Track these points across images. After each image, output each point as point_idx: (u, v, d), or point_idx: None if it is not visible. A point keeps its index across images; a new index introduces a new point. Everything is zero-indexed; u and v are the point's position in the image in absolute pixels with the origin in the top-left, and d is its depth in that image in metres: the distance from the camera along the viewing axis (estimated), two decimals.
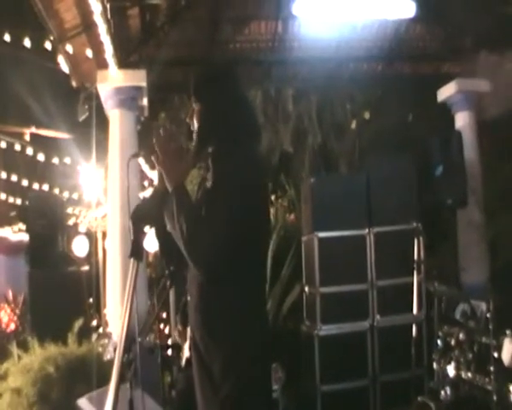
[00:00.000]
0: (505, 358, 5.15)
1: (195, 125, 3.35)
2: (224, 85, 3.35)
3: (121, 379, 3.05)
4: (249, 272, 3.23)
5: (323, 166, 12.17)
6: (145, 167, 7.73)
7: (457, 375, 5.93)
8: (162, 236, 3.41)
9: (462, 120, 9.57)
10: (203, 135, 3.33)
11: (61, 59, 7.92)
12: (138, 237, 3.04)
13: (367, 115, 12.22)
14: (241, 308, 3.17)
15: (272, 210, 11.03)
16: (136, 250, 3.01)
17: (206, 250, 3.04)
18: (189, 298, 3.34)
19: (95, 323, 9.37)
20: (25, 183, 12.39)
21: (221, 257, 3.06)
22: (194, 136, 3.35)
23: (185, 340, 4.63)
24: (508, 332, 5.36)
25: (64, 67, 8.08)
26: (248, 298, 3.21)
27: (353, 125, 12.38)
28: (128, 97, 8.04)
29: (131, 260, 3.02)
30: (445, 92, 9.73)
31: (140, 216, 3.14)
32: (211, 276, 3.14)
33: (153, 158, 3.29)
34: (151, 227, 3.20)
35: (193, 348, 3.35)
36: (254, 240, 3.24)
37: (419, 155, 8.64)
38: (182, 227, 3.02)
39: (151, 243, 3.44)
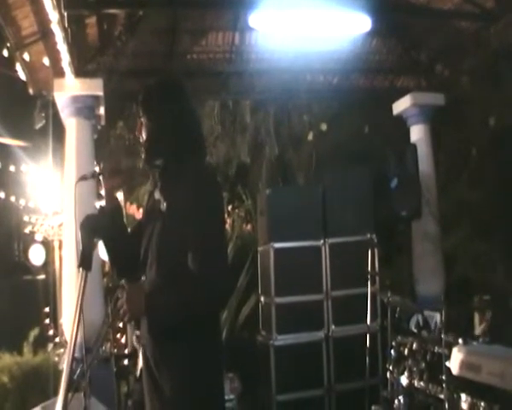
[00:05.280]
0: (453, 366, 5.24)
1: (143, 137, 3.37)
2: (169, 98, 3.36)
3: (73, 388, 3.04)
4: None
5: (280, 177, 12.24)
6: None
7: (410, 384, 6.03)
8: (112, 249, 3.43)
9: (417, 133, 9.65)
10: (150, 148, 3.35)
11: (18, 66, 7.86)
12: (87, 247, 3.04)
13: (324, 127, 12.29)
14: (193, 331, 3.14)
15: (229, 220, 11.07)
16: (84, 260, 3.00)
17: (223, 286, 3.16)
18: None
19: (51, 332, 9.28)
20: None
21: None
22: (142, 149, 3.37)
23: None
24: (460, 342, 5.46)
25: (21, 74, 8.01)
26: (202, 320, 3.20)
27: (310, 137, 12.45)
28: (85, 106, 7.96)
29: (80, 270, 3.02)
30: (401, 105, 9.81)
31: (89, 227, 3.14)
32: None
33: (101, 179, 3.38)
34: (100, 239, 3.21)
35: (143, 361, 3.35)
36: None
37: (374, 167, 8.74)
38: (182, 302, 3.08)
39: (104, 250, 3.45)
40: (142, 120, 3.37)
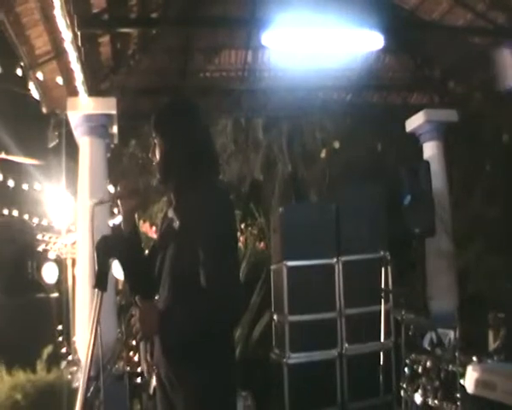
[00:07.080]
0: (468, 385, 5.20)
1: (157, 158, 3.37)
2: (181, 119, 3.36)
3: (87, 407, 3.03)
4: None
5: (293, 194, 12.24)
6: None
7: (424, 402, 5.98)
8: (127, 267, 3.42)
9: (430, 150, 9.65)
10: (164, 169, 3.34)
11: (31, 85, 7.90)
12: (103, 267, 3.03)
13: (337, 145, 12.31)
14: (207, 349, 3.11)
15: (242, 238, 11.05)
16: (100, 281, 2.99)
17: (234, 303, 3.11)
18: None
19: (64, 350, 9.28)
20: None
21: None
22: (156, 170, 3.38)
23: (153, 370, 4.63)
24: (474, 359, 5.42)
25: (35, 93, 8.06)
26: (216, 339, 3.18)
27: (323, 155, 12.47)
28: (98, 125, 8.01)
29: (96, 290, 3.01)
30: (414, 122, 9.82)
31: (105, 247, 3.12)
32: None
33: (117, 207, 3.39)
34: (116, 259, 3.19)
35: (157, 382, 3.33)
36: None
37: (388, 184, 8.71)
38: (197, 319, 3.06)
39: (120, 271, 3.44)
40: (156, 140, 3.37)
